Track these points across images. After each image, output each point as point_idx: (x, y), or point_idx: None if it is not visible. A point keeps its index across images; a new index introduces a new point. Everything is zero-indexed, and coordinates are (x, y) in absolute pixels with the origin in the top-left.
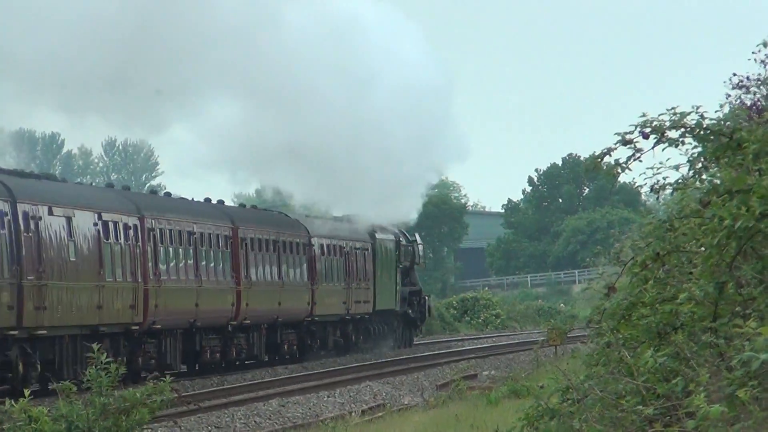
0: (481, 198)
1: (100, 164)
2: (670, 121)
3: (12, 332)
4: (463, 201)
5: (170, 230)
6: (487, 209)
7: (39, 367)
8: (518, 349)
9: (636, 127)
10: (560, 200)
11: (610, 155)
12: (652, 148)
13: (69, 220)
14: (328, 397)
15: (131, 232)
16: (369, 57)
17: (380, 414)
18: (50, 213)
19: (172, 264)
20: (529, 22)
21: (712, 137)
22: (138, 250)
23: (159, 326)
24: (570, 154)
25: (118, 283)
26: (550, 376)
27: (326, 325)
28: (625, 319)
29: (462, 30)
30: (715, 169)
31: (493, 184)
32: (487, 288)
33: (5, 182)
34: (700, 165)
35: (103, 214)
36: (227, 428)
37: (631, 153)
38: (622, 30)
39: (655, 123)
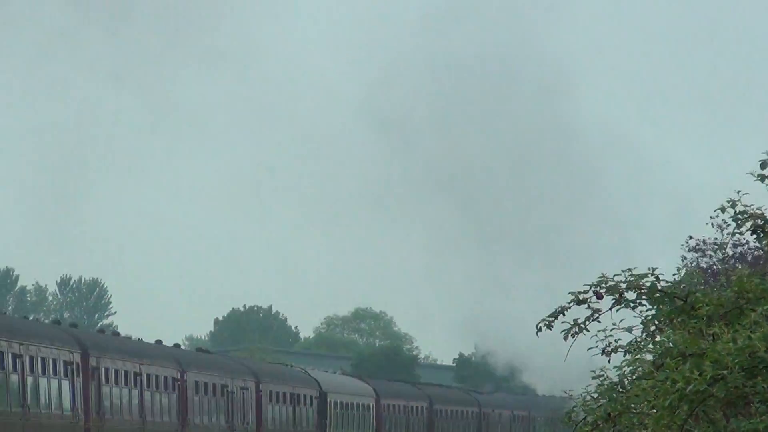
0: (433, 350)
1: (54, 302)
2: (625, 282)
3: None
4: (414, 353)
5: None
6: (438, 362)
7: None
8: None
9: (591, 286)
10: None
11: (564, 314)
12: (610, 308)
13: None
14: None
15: None
16: None
17: None
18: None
19: None
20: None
21: (666, 299)
22: None
23: None
24: None
25: None
26: None
27: None
28: None
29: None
30: (669, 331)
31: (445, 336)
32: None
33: (316, 378)
34: (653, 327)
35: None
36: None
37: (587, 313)
38: (587, 181)
39: (610, 284)
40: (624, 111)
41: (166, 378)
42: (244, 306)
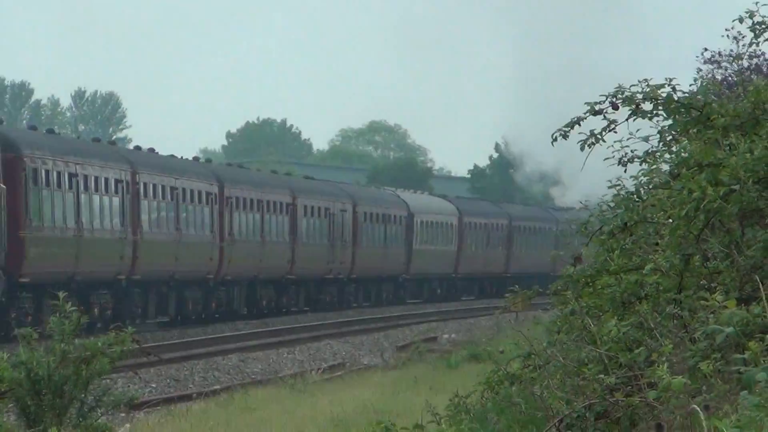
0: (447, 162)
1: (69, 115)
2: (641, 92)
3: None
4: (428, 165)
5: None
6: (453, 174)
7: None
8: (479, 314)
9: (607, 97)
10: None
11: (580, 125)
12: (627, 119)
13: None
14: (288, 354)
15: None
16: None
17: (339, 373)
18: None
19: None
20: None
21: (682, 110)
22: None
23: None
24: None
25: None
26: (511, 341)
27: None
28: (589, 287)
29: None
30: (685, 141)
31: (459, 148)
32: None
33: (405, 200)
34: (669, 138)
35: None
36: (186, 381)
37: (601, 124)
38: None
39: (626, 94)
40: None
41: (281, 203)
42: (258, 119)
